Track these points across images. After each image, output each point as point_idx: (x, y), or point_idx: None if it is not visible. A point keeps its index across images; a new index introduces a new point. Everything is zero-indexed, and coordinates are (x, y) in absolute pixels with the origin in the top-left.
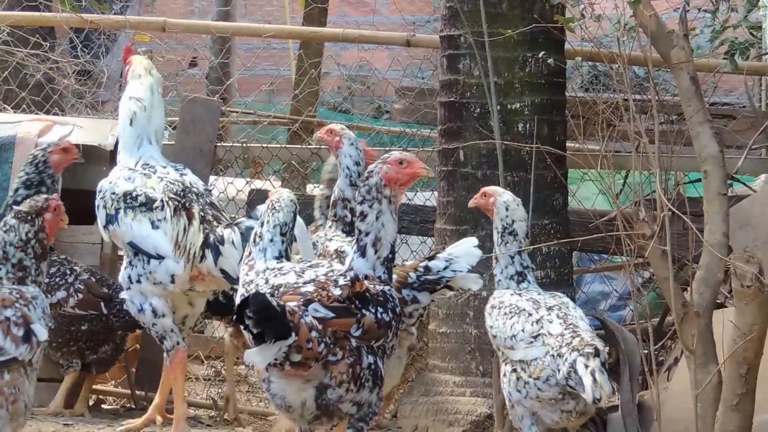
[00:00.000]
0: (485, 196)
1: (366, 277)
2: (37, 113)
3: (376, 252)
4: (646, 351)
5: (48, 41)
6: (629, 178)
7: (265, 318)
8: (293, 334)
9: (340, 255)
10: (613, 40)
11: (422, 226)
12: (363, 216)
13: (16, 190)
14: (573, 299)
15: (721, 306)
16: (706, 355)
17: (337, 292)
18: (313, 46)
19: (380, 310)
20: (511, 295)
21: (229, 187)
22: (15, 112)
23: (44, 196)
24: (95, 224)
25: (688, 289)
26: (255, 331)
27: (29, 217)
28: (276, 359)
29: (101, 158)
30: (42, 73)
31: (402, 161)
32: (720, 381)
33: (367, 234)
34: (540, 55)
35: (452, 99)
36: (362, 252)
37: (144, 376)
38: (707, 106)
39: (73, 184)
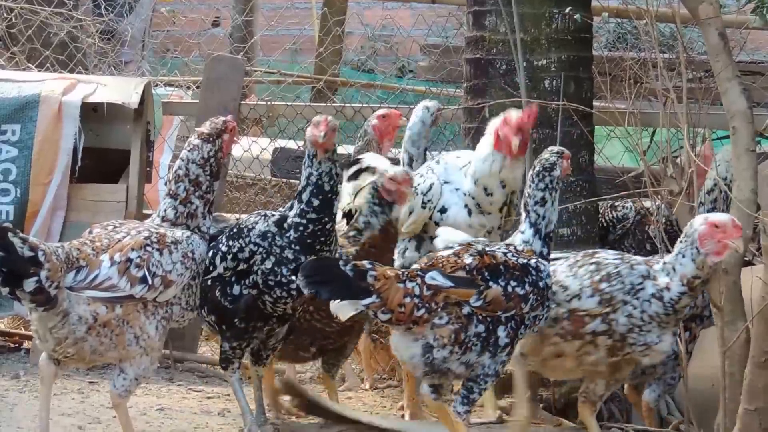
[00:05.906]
0: None
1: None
2: (60, 72)
3: (545, 230)
4: None
5: (71, 0)
6: (656, 136)
7: (318, 282)
8: (373, 296)
9: None
10: None
11: None
12: (543, 202)
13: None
14: None
15: (750, 263)
16: (734, 312)
17: (468, 260)
18: (336, 5)
19: (513, 283)
20: None
21: (253, 145)
22: (39, 71)
23: (222, 118)
24: (119, 182)
25: None
26: (306, 292)
27: (211, 138)
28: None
29: (126, 117)
30: (65, 32)
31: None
32: (748, 338)
33: (544, 218)
34: (567, 11)
35: (478, 56)
36: (539, 235)
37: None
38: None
39: (98, 143)
